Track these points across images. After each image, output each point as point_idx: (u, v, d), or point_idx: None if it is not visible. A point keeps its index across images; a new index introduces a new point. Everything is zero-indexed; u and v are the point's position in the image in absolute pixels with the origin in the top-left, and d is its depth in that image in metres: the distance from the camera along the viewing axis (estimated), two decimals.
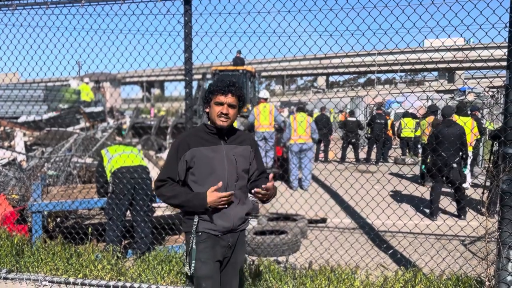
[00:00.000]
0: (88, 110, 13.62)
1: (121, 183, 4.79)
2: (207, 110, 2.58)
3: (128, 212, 5.02)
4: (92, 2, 4.06)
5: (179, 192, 2.54)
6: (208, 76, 15.12)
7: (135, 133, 12.06)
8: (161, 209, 5.95)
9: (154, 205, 5.24)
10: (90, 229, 4.92)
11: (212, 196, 2.45)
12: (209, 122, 2.62)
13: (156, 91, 55.31)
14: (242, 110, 13.33)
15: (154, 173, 7.07)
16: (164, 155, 9.86)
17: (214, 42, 4.06)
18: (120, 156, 5.01)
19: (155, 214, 5.69)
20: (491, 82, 3.59)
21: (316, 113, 14.62)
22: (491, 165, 4.26)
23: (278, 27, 4.15)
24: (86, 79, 17.36)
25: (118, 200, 4.82)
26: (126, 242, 5.05)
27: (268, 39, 4.20)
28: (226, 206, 2.53)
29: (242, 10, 3.93)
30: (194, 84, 14.24)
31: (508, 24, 3.15)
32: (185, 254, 2.64)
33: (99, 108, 14.78)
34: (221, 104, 2.51)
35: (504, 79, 3.25)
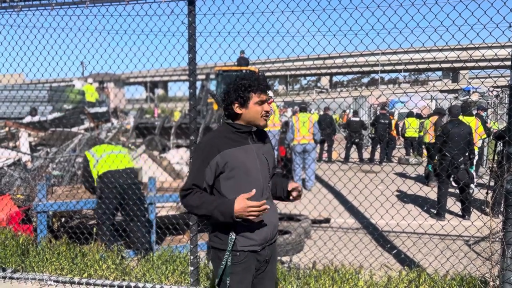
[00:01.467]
0: (92, 110, 13.68)
1: (108, 188, 4.76)
2: (239, 111, 2.27)
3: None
4: (96, 3, 4.08)
5: (206, 200, 2.21)
6: (212, 76, 15.14)
7: (139, 133, 12.08)
8: (165, 209, 5.97)
9: (158, 204, 5.26)
10: (94, 229, 4.94)
11: (241, 203, 2.11)
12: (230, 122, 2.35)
13: (160, 91, 55.44)
14: None
15: (158, 173, 7.10)
16: (168, 155, 9.88)
17: (218, 43, 4.07)
18: (108, 157, 4.99)
19: (159, 214, 5.71)
20: (495, 81, 3.59)
21: (315, 113, 14.61)
22: (495, 165, 4.24)
23: (281, 27, 4.17)
24: (90, 80, 17.43)
25: (106, 204, 4.80)
26: (121, 242, 5.06)
27: (272, 40, 4.21)
28: (256, 216, 2.19)
29: (246, 11, 3.94)
30: (198, 84, 14.25)
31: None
32: (212, 270, 2.37)
33: (103, 109, 14.83)
34: (263, 102, 2.28)
35: (508, 78, 3.24)
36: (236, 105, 2.27)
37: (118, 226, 5.01)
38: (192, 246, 3.97)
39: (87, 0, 4.07)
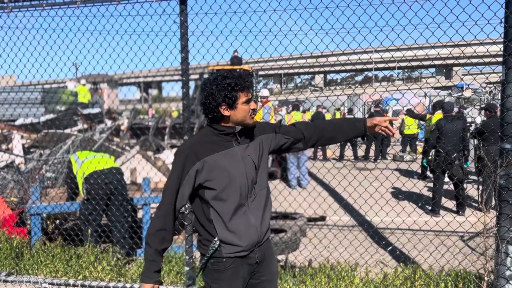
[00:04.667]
0: (85, 111, 13.61)
1: (94, 188, 4.72)
2: (227, 113, 2.11)
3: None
4: (87, 4, 4.05)
5: (151, 250, 2.13)
6: (206, 75, 15.12)
7: (133, 134, 12.05)
8: None
9: (152, 205, 5.25)
10: (89, 230, 4.92)
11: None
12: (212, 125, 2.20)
13: (153, 91, 55.25)
14: None
15: (153, 173, 7.07)
16: (163, 155, 9.86)
17: (211, 42, 4.06)
18: (93, 159, 4.96)
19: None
20: (487, 77, 3.61)
21: (310, 111, 14.64)
22: (476, 161, 4.29)
23: (274, 25, 4.16)
24: (83, 81, 17.33)
25: (92, 205, 4.77)
26: (104, 245, 5.02)
27: (265, 38, 4.19)
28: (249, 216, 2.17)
29: (238, 10, 3.93)
30: (192, 84, 14.23)
31: (503, 20, 3.16)
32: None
33: (96, 110, 14.76)
34: (250, 100, 2.15)
35: (500, 74, 3.26)
36: (224, 106, 2.10)
37: (104, 227, 4.97)
38: (187, 246, 3.96)
39: (78, 0, 4.04)
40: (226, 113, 2.11)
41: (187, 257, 3.95)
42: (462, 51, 3.51)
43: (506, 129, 3.20)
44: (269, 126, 2.36)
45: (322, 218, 6.52)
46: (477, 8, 3.32)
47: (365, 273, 4.12)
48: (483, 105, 10.57)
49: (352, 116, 13.73)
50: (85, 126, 12.19)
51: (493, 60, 3.44)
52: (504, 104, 3.20)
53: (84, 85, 16.96)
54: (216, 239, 2.13)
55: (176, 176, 2.13)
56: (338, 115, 19.51)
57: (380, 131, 2.37)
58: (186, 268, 3.99)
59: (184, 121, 3.88)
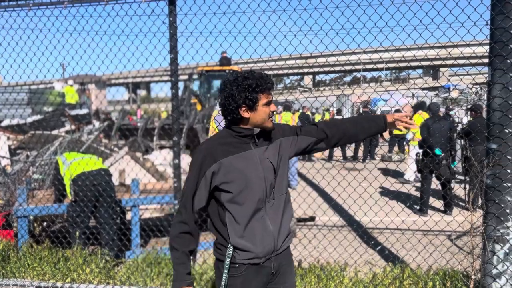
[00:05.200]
0: (73, 112, 13.47)
1: (82, 190, 4.67)
2: (247, 115, 2.05)
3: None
4: (75, 4, 4.02)
5: (177, 253, 2.11)
6: (195, 76, 15.08)
7: (121, 135, 11.95)
8: (149, 211, 5.92)
9: (141, 207, 5.21)
10: (77, 233, 4.87)
11: None
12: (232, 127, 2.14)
13: (142, 92, 54.90)
14: None
15: (142, 175, 7.03)
16: (151, 156, 9.80)
17: (200, 43, 4.06)
18: (81, 160, 4.91)
19: (143, 216, 5.65)
20: (473, 79, 3.66)
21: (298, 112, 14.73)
22: (463, 161, 4.35)
23: (263, 26, 4.16)
24: (71, 81, 17.16)
25: (80, 207, 4.71)
26: (92, 248, 4.98)
27: (254, 39, 4.20)
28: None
29: (227, 10, 3.93)
30: (181, 85, 14.18)
31: (489, 22, 3.21)
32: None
33: (84, 111, 14.62)
34: (270, 103, 2.09)
35: (486, 75, 3.30)
36: (244, 108, 2.04)
37: (92, 229, 4.93)
38: None
39: (66, 0, 4.00)
40: (245, 115, 2.05)
41: None
42: (449, 53, 3.56)
43: (492, 130, 3.25)
44: (289, 128, 2.30)
45: (312, 219, 6.54)
46: (463, 10, 3.36)
47: (355, 273, 4.15)
48: (469, 106, 10.71)
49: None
50: (73, 127, 12.07)
51: (479, 61, 3.49)
52: (490, 104, 3.25)
53: (71, 85, 16.79)
54: (229, 245, 2.08)
55: (193, 177, 2.10)
56: (327, 116, 19.62)
57: (400, 126, 2.36)
58: None
59: (173, 122, 3.86)
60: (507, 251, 3.23)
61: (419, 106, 8.86)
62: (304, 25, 3.95)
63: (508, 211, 3.21)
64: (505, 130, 3.17)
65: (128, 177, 6.62)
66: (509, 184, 3.19)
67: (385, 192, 7.99)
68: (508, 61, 3.09)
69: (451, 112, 12.46)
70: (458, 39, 3.53)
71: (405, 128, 2.38)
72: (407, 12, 3.65)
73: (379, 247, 5.04)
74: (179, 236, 2.10)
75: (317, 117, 23.96)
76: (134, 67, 4.49)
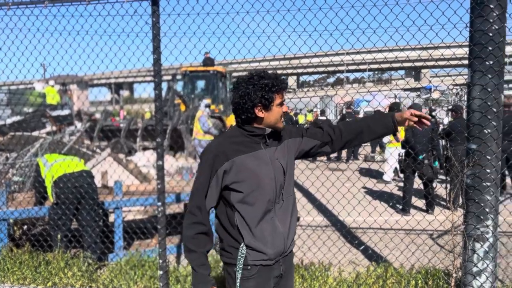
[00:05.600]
0: (54, 113, 13.25)
1: (64, 192, 4.59)
2: (261, 114, 2.04)
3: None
4: (55, 3, 3.95)
5: (198, 255, 2.04)
6: (179, 77, 15.01)
7: (104, 136, 11.80)
8: (132, 213, 5.86)
9: (124, 209, 5.16)
10: (59, 235, 4.79)
11: None
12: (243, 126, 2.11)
13: (125, 92, 54.30)
14: (214, 111, 13.23)
15: (125, 177, 6.95)
16: (135, 158, 9.71)
17: (183, 43, 4.03)
18: (62, 162, 4.83)
19: (126, 219, 5.59)
20: (454, 80, 3.72)
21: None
22: (444, 161, 4.43)
23: (247, 27, 4.16)
24: (52, 82, 16.88)
25: (62, 209, 4.64)
26: (74, 251, 4.90)
27: (238, 40, 4.20)
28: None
29: (211, 11, 3.92)
30: (164, 85, 14.09)
31: (468, 24, 3.27)
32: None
33: (65, 111, 14.39)
34: (283, 103, 2.09)
35: (466, 77, 3.36)
36: (259, 107, 2.02)
37: (74, 232, 4.85)
38: (160, 250, 3.91)
39: None
40: (260, 114, 2.04)
41: (161, 261, 3.90)
42: (430, 54, 3.61)
43: (472, 130, 3.31)
44: (296, 130, 2.29)
45: (296, 219, 6.56)
46: (443, 13, 3.42)
47: (339, 272, 4.18)
48: (450, 107, 10.90)
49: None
50: (54, 128, 11.87)
51: (459, 63, 3.55)
52: (470, 105, 3.31)
53: (52, 86, 16.51)
54: (242, 245, 2.03)
55: (205, 176, 2.04)
56: (310, 117, 19.73)
57: (415, 125, 2.25)
58: (160, 272, 3.93)
59: (157, 123, 3.83)
60: (487, 249, 3.29)
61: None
62: (288, 26, 3.96)
63: (487, 210, 3.27)
64: (485, 130, 3.23)
65: (110, 179, 6.55)
66: (488, 184, 3.26)
67: (368, 192, 8.07)
68: (487, 63, 3.15)
69: (433, 113, 12.67)
70: (439, 41, 3.59)
71: (422, 123, 2.25)
72: (389, 14, 3.69)
73: (362, 247, 5.09)
74: (195, 237, 2.04)
75: (300, 118, 24.11)
76: (117, 68, 4.44)
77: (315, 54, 4.26)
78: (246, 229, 2.03)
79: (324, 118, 14.64)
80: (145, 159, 8.96)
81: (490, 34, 3.12)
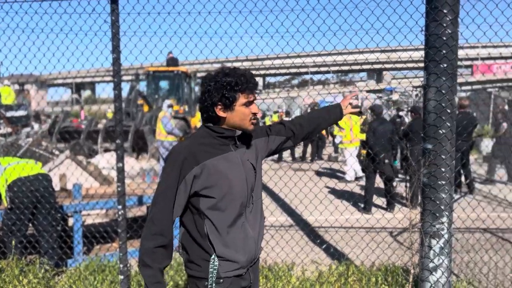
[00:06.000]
0: (8, 114, 12.69)
1: (18, 196, 4.40)
2: (223, 114, 1.92)
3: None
4: (8, 0, 3.78)
5: (151, 270, 1.85)
6: (142, 77, 14.75)
7: (61, 138, 11.41)
8: (92, 217, 5.70)
9: (84, 212, 5.00)
10: (13, 242, 4.58)
11: None
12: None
13: (86, 92, 52.75)
14: (178, 111, 13.05)
15: (83, 179, 6.75)
16: (96, 160, 9.45)
17: (144, 43, 3.96)
18: (17, 165, 4.64)
19: (86, 223, 5.43)
20: (410, 82, 3.84)
21: None
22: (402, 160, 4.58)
23: (209, 28, 4.13)
24: (6, 81, 16.16)
25: (17, 214, 4.45)
26: (30, 257, 4.72)
27: (200, 40, 4.16)
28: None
29: (172, 11, 3.87)
30: (124, 85, 13.81)
31: (424, 28, 3.38)
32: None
33: (21, 112, 13.81)
34: (251, 103, 1.94)
35: (422, 79, 3.47)
36: (220, 106, 1.90)
37: (30, 237, 4.66)
38: (121, 254, 3.81)
39: None
40: (221, 114, 1.92)
41: (121, 266, 3.80)
42: (388, 57, 3.71)
43: (428, 130, 3.42)
44: (260, 129, 2.22)
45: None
46: (400, 17, 3.53)
47: (302, 271, 4.22)
48: (409, 108, 11.27)
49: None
50: (8, 130, 11.37)
51: (416, 65, 3.66)
52: (425, 107, 3.41)
53: (8, 85, 15.81)
54: (213, 256, 1.88)
55: (171, 181, 1.87)
56: (275, 118, 19.88)
57: (352, 110, 2.46)
58: (121, 277, 3.84)
59: (116, 124, 3.73)
60: (442, 245, 3.41)
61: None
62: (250, 27, 3.97)
63: (443, 207, 3.39)
64: (439, 131, 3.34)
65: (70, 182, 6.34)
66: (443, 182, 3.37)
67: (330, 191, 8.20)
68: (441, 65, 3.26)
69: (401, 113, 13.00)
70: (397, 44, 3.70)
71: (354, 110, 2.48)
72: (348, 17, 3.76)
73: (324, 246, 5.16)
74: (154, 251, 1.85)
75: (267, 120, 24.26)
76: (74, 67, 4.30)
77: (277, 55, 4.28)
78: (217, 238, 1.89)
79: (288, 119, 14.80)
80: (106, 161, 8.74)
81: (444, 38, 3.23)
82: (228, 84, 1.86)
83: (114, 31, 3.68)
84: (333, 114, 2.42)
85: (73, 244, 4.82)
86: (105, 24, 3.69)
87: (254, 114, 1.95)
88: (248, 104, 1.92)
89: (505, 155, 9.62)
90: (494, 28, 3.58)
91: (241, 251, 1.92)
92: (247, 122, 1.94)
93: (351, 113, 2.49)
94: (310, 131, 2.37)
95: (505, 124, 9.79)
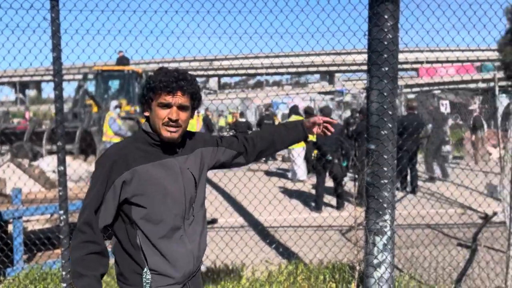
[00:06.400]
0: None
1: None
2: (146, 114, 1.83)
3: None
4: None
5: (86, 279, 1.71)
6: (90, 76, 14.25)
7: (4, 139, 10.80)
8: (31, 223, 5.43)
9: (24, 218, 4.76)
10: None
11: None
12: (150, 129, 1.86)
13: (31, 92, 50.31)
14: (129, 112, 12.74)
15: (25, 183, 6.41)
16: (41, 163, 9.02)
17: (86, 41, 3.82)
18: None
19: (28, 229, 5.17)
20: (354, 84, 3.94)
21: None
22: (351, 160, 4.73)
23: (166, 27, 4.04)
24: None
25: None
26: None
27: (156, 40, 4.08)
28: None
29: (116, 9, 3.76)
30: (74, 84, 13.34)
31: (367, 32, 3.48)
32: None
33: None
34: (168, 106, 1.76)
35: (365, 81, 3.58)
36: (145, 106, 1.83)
37: None
38: (63, 261, 3.66)
39: None
40: (146, 114, 1.82)
41: (64, 273, 3.65)
42: (333, 60, 3.80)
43: (371, 131, 3.53)
44: (211, 138, 2.09)
45: (213, 221, 6.54)
46: (344, 21, 3.61)
47: (252, 272, 4.23)
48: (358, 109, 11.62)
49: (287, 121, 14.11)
50: None
51: (359, 68, 3.77)
52: (369, 108, 3.52)
53: None
54: (145, 269, 1.76)
55: (99, 186, 1.75)
56: (230, 119, 19.90)
57: (319, 131, 2.22)
58: (63, 285, 3.68)
59: (57, 126, 3.58)
60: (385, 242, 3.53)
61: (308, 111, 9.41)
62: (208, 28, 3.94)
63: (385, 205, 3.51)
64: (382, 132, 3.46)
65: (9, 187, 6.00)
66: (385, 181, 3.49)
67: (280, 191, 8.28)
68: (383, 69, 3.38)
69: (357, 114, 13.36)
70: (350, 47, 3.78)
71: (322, 132, 2.24)
72: (305, 20, 3.81)
73: (274, 245, 5.20)
74: (85, 258, 1.72)
75: (221, 121, 24.21)
76: (10, 66, 4.07)
77: (235, 56, 4.28)
78: (151, 250, 1.77)
79: (244, 120, 14.82)
80: (53, 163, 8.36)
81: (385, 43, 3.34)
82: (148, 83, 1.78)
83: (54, 29, 3.53)
84: (295, 133, 2.22)
85: (12, 252, 4.57)
86: (44, 21, 3.52)
87: (170, 119, 1.75)
88: (163, 105, 1.75)
89: (433, 155, 10.15)
90: (431, 34, 3.76)
91: (177, 266, 1.80)
92: (160, 126, 1.76)
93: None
94: (263, 149, 2.18)
95: (430, 125, 10.32)
